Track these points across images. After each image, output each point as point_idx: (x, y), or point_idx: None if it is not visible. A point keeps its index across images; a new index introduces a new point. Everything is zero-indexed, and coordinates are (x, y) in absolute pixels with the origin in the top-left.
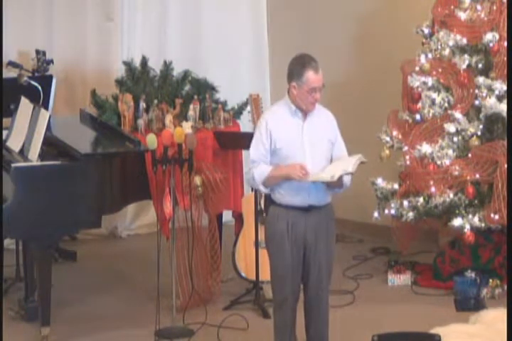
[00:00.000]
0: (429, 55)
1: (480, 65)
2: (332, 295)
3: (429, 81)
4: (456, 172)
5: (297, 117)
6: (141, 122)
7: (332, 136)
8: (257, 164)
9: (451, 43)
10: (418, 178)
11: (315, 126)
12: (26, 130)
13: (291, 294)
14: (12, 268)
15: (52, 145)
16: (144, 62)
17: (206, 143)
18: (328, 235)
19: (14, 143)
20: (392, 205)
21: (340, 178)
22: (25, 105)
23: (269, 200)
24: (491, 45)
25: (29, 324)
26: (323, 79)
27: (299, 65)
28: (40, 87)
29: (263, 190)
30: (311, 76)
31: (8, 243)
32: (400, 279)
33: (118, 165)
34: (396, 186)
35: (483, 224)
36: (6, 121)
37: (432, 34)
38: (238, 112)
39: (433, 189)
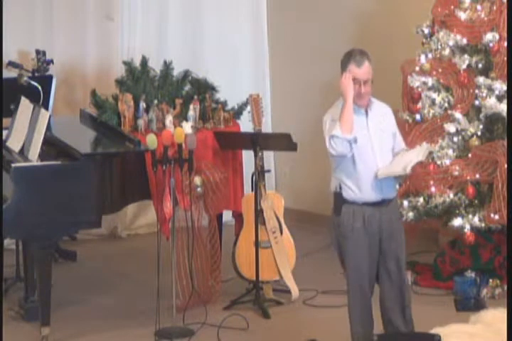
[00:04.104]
0: (429, 55)
1: (480, 65)
2: (332, 295)
3: (429, 81)
4: (456, 172)
5: (360, 114)
6: (141, 122)
7: (393, 128)
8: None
9: (451, 43)
10: (418, 178)
11: (377, 120)
12: (26, 130)
13: (367, 281)
14: (12, 268)
15: (52, 145)
16: (144, 62)
17: (206, 143)
18: (400, 226)
19: (14, 143)
20: None
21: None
22: (25, 105)
23: (340, 199)
24: (491, 45)
25: (29, 324)
26: (370, 74)
27: (345, 58)
28: (40, 87)
29: (348, 138)
30: (352, 69)
31: (8, 243)
32: None
33: (118, 165)
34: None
35: (483, 224)
36: (6, 121)
37: (432, 34)
38: (238, 112)
39: (433, 189)
